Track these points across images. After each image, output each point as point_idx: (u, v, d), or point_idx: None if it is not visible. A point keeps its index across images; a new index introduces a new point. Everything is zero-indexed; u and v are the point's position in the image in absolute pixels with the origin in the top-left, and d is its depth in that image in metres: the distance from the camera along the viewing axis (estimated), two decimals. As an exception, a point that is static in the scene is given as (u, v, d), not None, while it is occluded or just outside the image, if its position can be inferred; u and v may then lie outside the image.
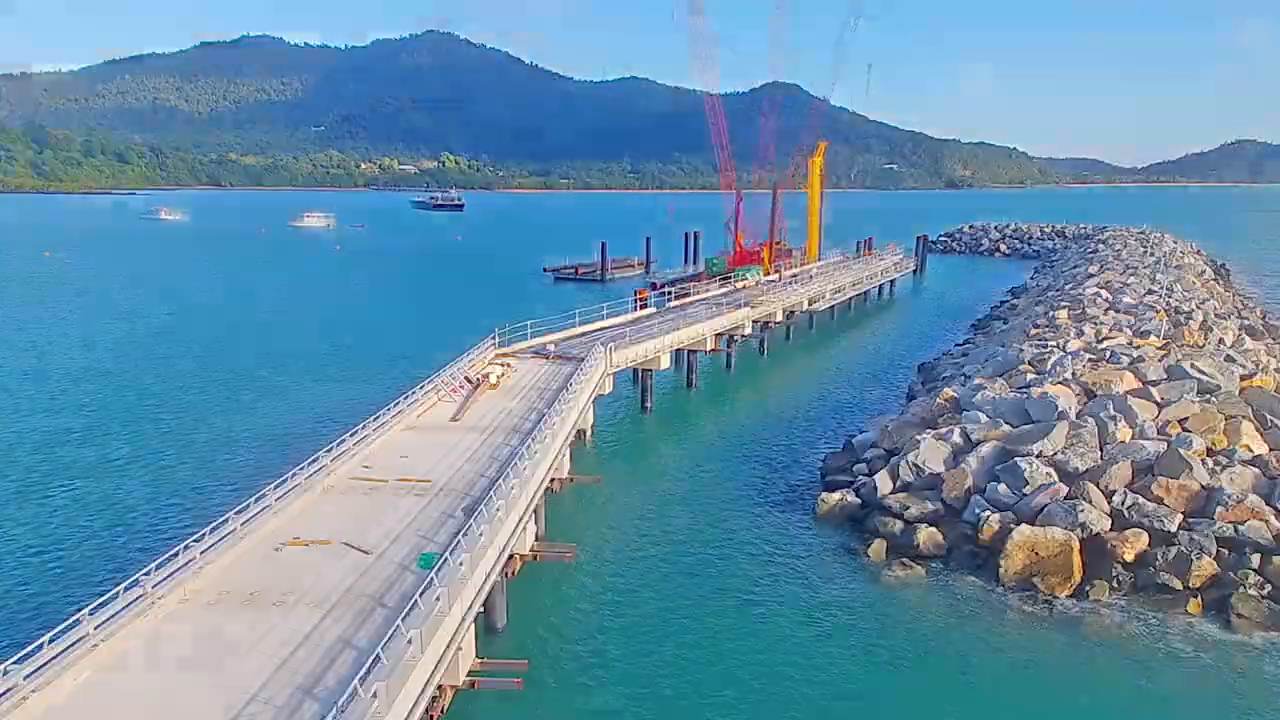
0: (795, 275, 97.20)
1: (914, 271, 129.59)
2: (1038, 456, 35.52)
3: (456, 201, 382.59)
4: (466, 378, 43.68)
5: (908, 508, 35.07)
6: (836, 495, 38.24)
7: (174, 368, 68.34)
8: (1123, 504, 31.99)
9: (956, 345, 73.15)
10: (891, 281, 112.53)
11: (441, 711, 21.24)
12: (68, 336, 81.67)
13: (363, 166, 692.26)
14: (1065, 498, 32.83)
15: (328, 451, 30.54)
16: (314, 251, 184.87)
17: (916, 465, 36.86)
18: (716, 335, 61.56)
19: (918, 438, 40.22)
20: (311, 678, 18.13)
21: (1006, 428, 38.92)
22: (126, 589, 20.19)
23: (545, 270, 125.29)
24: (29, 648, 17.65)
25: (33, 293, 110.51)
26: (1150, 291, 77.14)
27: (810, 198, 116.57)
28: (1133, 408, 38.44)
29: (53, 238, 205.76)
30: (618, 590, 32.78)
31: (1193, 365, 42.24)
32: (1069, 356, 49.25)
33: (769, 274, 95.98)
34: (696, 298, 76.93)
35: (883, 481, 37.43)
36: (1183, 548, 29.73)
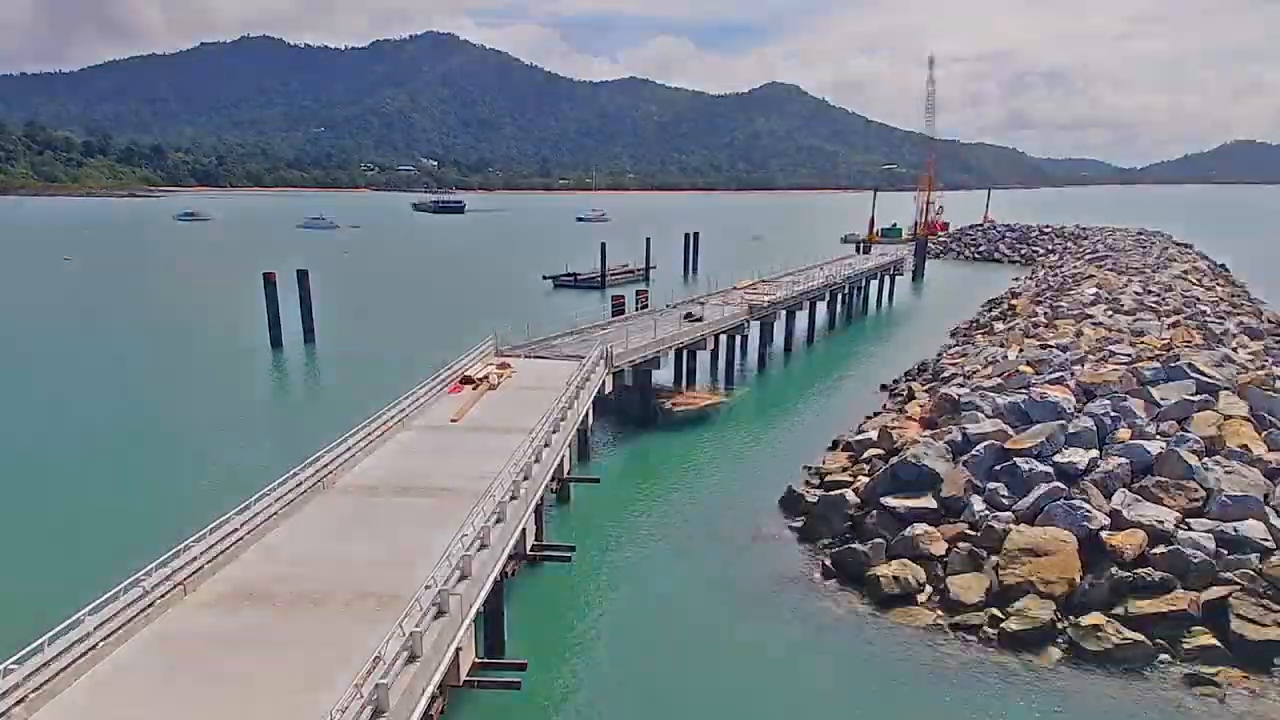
0: None
1: (912, 275, 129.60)
2: (1036, 456, 35.53)
3: (456, 202, 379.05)
4: (466, 378, 43.67)
5: (906, 507, 35.06)
6: (835, 494, 38.25)
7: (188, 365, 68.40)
8: (1122, 504, 31.99)
9: (955, 346, 73.18)
10: (893, 279, 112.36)
11: (441, 711, 21.25)
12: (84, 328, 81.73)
13: (363, 167, 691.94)
14: (1064, 498, 32.83)
15: (328, 452, 30.57)
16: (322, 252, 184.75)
17: (916, 465, 36.85)
18: (716, 335, 61.57)
19: (916, 437, 40.23)
20: (312, 676, 18.14)
21: (1005, 427, 38.92)
22: (126, 589, 20.19)
23: (544, 277, 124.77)
24: (28, 648, 17.66)
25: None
26: (1149, 291, 77.20)
27: None
28: (1131, 408, 38.46)
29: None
30: (617, 590, 32.81)
31: (1191, 365, 42.23)
32: (1068, 356, 49.29)
33: None
34: None
35: (882, 481, 37.44)
36: (1181, 548, 29.73)
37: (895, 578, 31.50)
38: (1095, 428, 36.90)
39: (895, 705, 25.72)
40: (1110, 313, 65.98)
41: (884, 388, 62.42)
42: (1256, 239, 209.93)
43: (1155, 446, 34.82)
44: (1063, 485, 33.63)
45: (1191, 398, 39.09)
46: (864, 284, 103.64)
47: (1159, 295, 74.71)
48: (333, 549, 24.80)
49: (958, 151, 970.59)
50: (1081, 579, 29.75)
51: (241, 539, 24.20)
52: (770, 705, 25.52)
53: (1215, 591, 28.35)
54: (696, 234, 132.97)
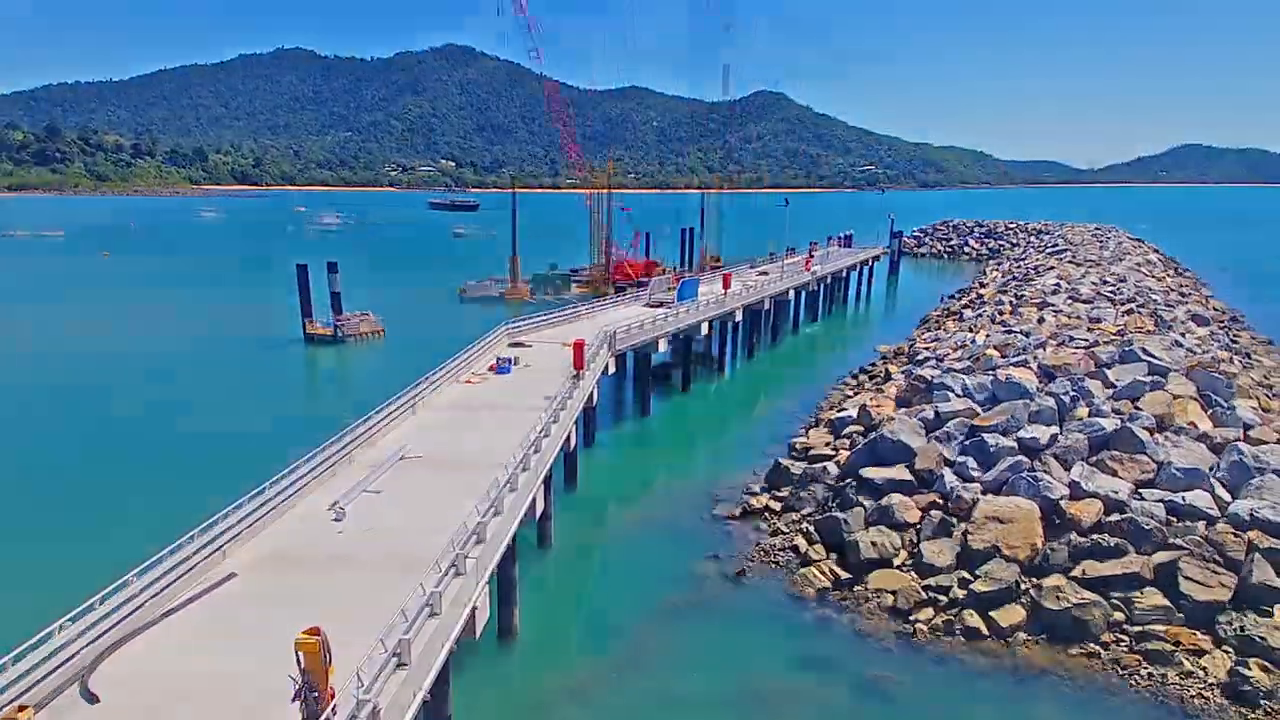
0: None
1: (888, 269, 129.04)
2: (1002, 432, 35.34)
3: (470, 203, 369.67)
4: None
5: (883, 479, 34.91)
6: (817, 467, 38.11)
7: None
8: (1080, 475, 31.83)
9: (928, 331, 72.84)
10: (871, 272, 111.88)
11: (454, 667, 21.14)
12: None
13: (387, 168, 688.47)
14: (1027, 470, 32.67)
15: (365, 422, 30.40)
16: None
17: (892, 440, 36.67)
18: (709, 322, 61.21)
19: (893, 415, 40.05)
20: (336, 633, 18.02)
21: (974, 406, 38.72)
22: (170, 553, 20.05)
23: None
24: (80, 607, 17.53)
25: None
26: (1105, 282, 76.75)
27: None
28: (1089, 388, 38.23)
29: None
30: (616, 556, 32.76)
31: (1144, 349, 41.99)
32: (1031, 341, 49.01)
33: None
34: None
35: (860, 455, 37.28)
36: (1134, 516, 29.59)
37: (873, 543, 31.39)
38: (1056, 406, 36.70)
39: (871, 665, 25.68)
40: (1070, 301, 65.61)
41: (863, 370, 62.17)
42: (1205, 234, 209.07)
43: (1111, 423, 34.61)
44: (1026, 459, 33.46)
45: (1143, 379, 38.84)
46: (845, 275, 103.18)
47: (1114, 285, 74.29)
48: (361, 518, 24.67)
49: (930, 153, 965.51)
50: (1043, 544, 29.64)
51: (275, 507, 24.07)
52: (753, 663, 25.46)
53: (1165, 555, 28.24)
54: (692, 229, 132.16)
